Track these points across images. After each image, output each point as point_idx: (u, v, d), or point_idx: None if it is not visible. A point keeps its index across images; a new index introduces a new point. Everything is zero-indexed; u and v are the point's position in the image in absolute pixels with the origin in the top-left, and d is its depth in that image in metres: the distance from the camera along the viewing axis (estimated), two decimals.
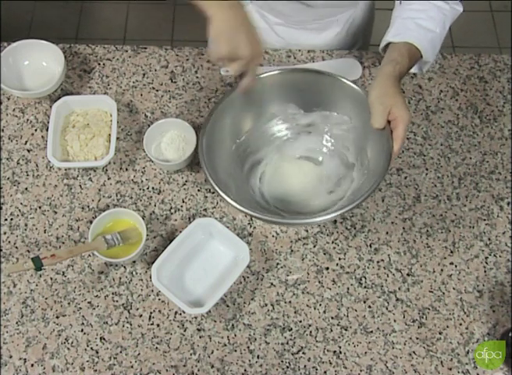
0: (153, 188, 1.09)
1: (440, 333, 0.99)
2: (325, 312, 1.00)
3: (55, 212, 1.06)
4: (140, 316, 0.99)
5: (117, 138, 1.11)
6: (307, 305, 1.00)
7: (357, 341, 0.98)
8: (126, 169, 1.10)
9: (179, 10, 2.30)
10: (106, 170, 1.10)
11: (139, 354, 0.96)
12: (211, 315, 0.99)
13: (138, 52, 1.22)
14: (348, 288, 1.01)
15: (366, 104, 0.91)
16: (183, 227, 1.02)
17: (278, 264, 1.03)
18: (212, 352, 0.97)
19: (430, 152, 1.13)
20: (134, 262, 1.02)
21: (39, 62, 1.18)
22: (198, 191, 1.08)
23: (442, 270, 1.03)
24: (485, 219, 1.07)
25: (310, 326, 0.99)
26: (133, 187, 1.09)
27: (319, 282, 1.02)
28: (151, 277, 0.97)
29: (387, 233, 1.06)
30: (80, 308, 0.99)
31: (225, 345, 0.97)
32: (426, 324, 0.99)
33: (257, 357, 0.96)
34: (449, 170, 1.11)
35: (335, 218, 0.91)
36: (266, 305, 1.00)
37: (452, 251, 1.05)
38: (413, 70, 1.06)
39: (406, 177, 1.11)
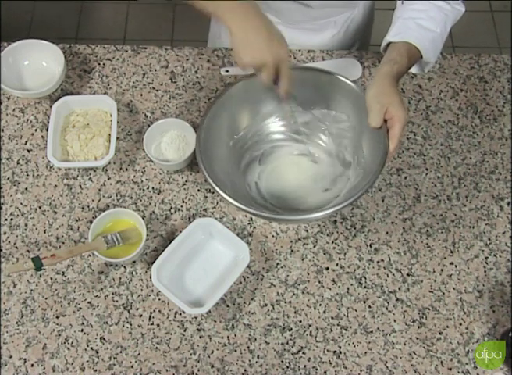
0: (153, 188, 1.09)
1: (440, 333, 0.99)
2: (325, 312, 1.00)
3: (55, 212, 1.06)
4: (140, 316, 0.99)
5: (117, 138, 1.11)
6: (307, 305, 1.00)
7: (357, 341, 0.98)
8: (126, 169, 1.10)
9: (179, 10, 2.30)
10: (106, 170, 1.10)
11: (139, 354, 0.96)
12: (211, 315, 0.99)
13: (138, 52, 1.22)
14: (348, 288, 1.01)
15: (364, 103, 0.91)
16: (183, 227, 1.02)
17: (278, 264, 1.03)
18: (212, 352, 0.97)
19: (430, 152, 1.13)
20: (134, 262, 1.02)
21: (39, 62, 1.18)
22: (198, 191, 1.08)
23: (442, 270, 1.03)
24: (485, 219, 1.07)
25: (310, 326, 0.99)
26: (133, 187, 1.09)
27: (319, 282, 1.02)
28: (151, 277, 0.97)
29: (387, 233, 1.06)
30: (80, 308, 0.99)
31: (225, 345, 0.97)
32: (426, 324, 0.99)
33: (257, 357, 0.96)
34: (449, 170, 1.11)
35: (331, 214, 0.90)
36: (266, 305, 1.00)
37: (452, 251, 1.05)
38: (414, 71, 1.06)
39: (406, 177, 1.11)
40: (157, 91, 1.18)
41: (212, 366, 0.96)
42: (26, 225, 1.05)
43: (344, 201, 0.88)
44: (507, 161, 1.12)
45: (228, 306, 1.00)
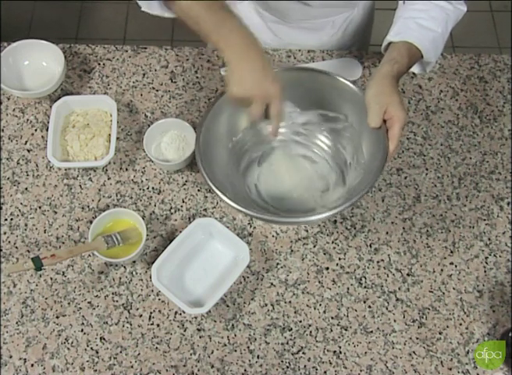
0: (153, 188, 1.09)
1: (440, 333, 0.99)
2: (325, 312, 1.00)
3: (55, 212, 1.06)
4: (140, 316, 0.99)
5: (117, 138, 1.11)
6: (307, 305, 1.00)
7: (357, 341, 0.98)
8: (126, 169, 1.10)
9: None
10: (106, 170, 1.10)
11: (139, 354, 0.96)
12: (211, 315, 0.99)
13: (138, 52, 1.22)
14: (348, 288, 1.01)
15: (362, 103, 0.91)
16: (183, 227, 1.02)
17: (278, 264, 1.03)
18: (212, 352, 0.97)
19: (430, 152, 1.13)
20: (134, 262, 1.02)
21: (39, 62, 1.18)
22: (198, 191, 1.08)
23: (442, 270, 1.03)
24: (485, 219, 1.07)
25: (310, 326, 0.99)
26: (133, 187, 1.09)
27: (319, 282, 1.02)
28: (151, 277, 0.97)
29: (387, 233, 1.06)
30: (80, 308, 0.99)
31: (225, 345, 0.97)
32: (426, 324, 0.99)
33: (257, 357, 0.96)
34: (449, 170, 1.11)
35: (331, 216, 0.91)
36: (266, 305, 1.00)
37: (452, 251, 1.05)
38: (416, 71, 1.06)
39: (406, 177, 1.11)
40: (157, 91, 1.18)
41: (212, 366, 0.96)
42: (26, 225, 1.05)
43: (345, 202, 0.88)
44: (507, 161, 1.12)
45: (228, 306, 1.00)
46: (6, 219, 1.06)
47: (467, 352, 0.97)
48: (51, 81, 1.12)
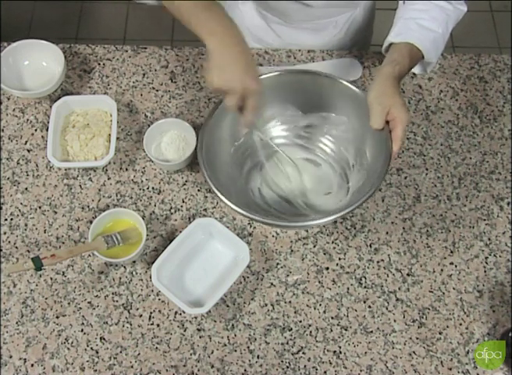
0: (153, 188, 1.09)
1: (440, 333, 0.99)
2: (325, 312, 1.00)
3: (55, 212, 1.06)
4: (140, 316, 0.99)
5: (117, 138, 1.11)
6: (307, 305, 1.00)
7: (357, 341, 0.98)
8: (126, 169, 1.10)
9: None
10: (106, 170, 1.10)
11: (139, 354, 0.96)
12: (211, 315, 0.99)
13: (138, 52, 1.22)
14: (348, 288, 1.01)
15: (365, 105, 0.91)
16: (183, 227, 1.02)
17: (278, 264, 1.03)
18: (212, 352, 0.97)
19: (430, 152, 1.13)
20: (134, 262, 1.02)
21: (39, 62, 1.18)
22: (198, 191, 1.08)
23: (442, 270, 1.03)
24: (485, 219, 1.07)
25: (310, 326, 0.99)
26: (133, 187, 1.09)
27: (319, 282, 1.02)
28: (151, 277, 0.97)
29: (387, 233, 1.06)
30: (80, 308, 0.99)
31: (225, 345, 0.97)
32: (426, 324, 0.99)
33: (257, 357, 0.96)
34: (449, 170, 1.11)
35: (335, 220, 0.91)
36: (266, 305, 1.00)
37: (452, 251, 1.05)
38: (416, 71, 1.06)
39: (406, 177, 1.11)
40: (157, 91, 1.18)
41: (212, 366, 0.96)
42: (26, 225, 1.05)
43: (349, 204, 0.88)
44: (507, 161, 1.12)
45: (228, 306, 1.00)
46: (6, 219, 1.06)
47: (467, 352, 0.97)
48: (51, 81, 1.12)
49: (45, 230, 1.05)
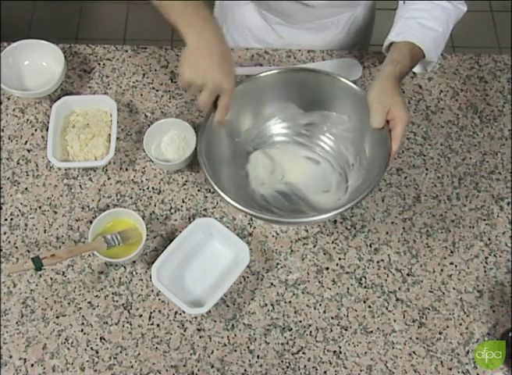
0: (153, 188, 1.09)
1: (440, 333, 0.99)
2: (325, 312, 1.00)
3: (55, 212, 1.06)
4: (140, 316, 0.99)
5: (117, 138, 1.11)
6: (307, 305, 1.00)
7: (357, 341, 0.98)
8: (126, 169, 1.10)
9: None
10: (106, 170, 1.10)
11: (139, 354, 0.96)
12: (211, 315, 0.99)
13: (138, 52, 1.22)
14: (348, 288, 1.01)
15: (365, 104, 0.91)
16: (183, 227, 1.02)
17: (278, 264, 1.03)
18: (212, 352, 0.97)
19: (430, 152, 1.13)
20: (134, 262, 1.02)
21: (39, 62, 1.18)
22: (198, 191, 1.08)
23: (442, 270, 1.03)
24: (485, 219, 1.07)
25: (310, 326, 0.99)
26: (133, 187, 1.09)
27: (319, 282, 1.02)
28: (151, 277, 0.97)
29: (387, 233, 1.06)
30: (80, 308, 0.99)
31: (225, 345, 0.97)
32: (426, 324, 0.99)
33: (257, 357, 0.96)
34: (449, 170, 1.11)
35: (334, 217, 0.91)
36: (266, 305, 1.00)
37: (452, 251, 1.05)
38: (417, 70, 1.06)
39: (406, 177, 1.11)
40: (157, 91, 1.18)
41: (212, 366, 0.96)
42: (26, 225, 1.05)
43: (348, 202, 0.88)
44: (507, 161, 1.12)
45: (228, 306, 1.00)
46: (6, 219, 1.06)
47: (467, 352, 0.97)
48: (51, 81, 1.12)
49: (45, 230, 1.05)
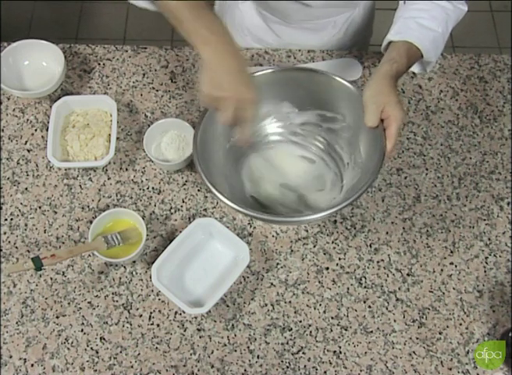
0: (153, 188, 1.09)
1: (440, 333, 0.99)
2: (325, 312, 1.00)
3: (55, 212, 1.06)
4: (140, 316, 0.99)
5: (117, 138, 1.11)
6: (307, 305, 1.00)
7: (357, 341, 0.98)
8: (126, 169, 1.10)
9: None
10: (106, 170, 1.10)
11: (139, 354, 0.96)
12: (211, 315, 0.99)
13: (138, 52, 1.22)
14: (348, 288, 1.01)
15: (360, 103, 0.91)
16: (183, 227, 1.02)
17: (278, 264, 1.03)
18: (212, 352, 0.97)
19: (430, 152, 1.13)
20: (134, 262, 1.02)
21: (39, 62, 1.18)
22: (198, 191, 1.08)
23: (442, 270, 1.03)
24: (485, 219, 1.07)
25: (310, 326, 0.99)
26: (133, 187, 1.09)
27: (319, 282, 1.02)
28: (151, 277, 0.97)
29: (387, 233, 1.06)
30: (80, 308, 0.99)
31: (225, 345, 0.97)
32: (426, 324, 0.99)
33: (257, 357, 0.96)
34: (449, 170, 1.11)
35: (329, 216, 0.90)
36: (266, 305, 1.00)
37: (452, 251, 1.05)
38: (416, 71, 1.06)
39: (406, 177, 1.11)
40: (157, 91, 1.18)
41: (212, 366, 0.96)
42: (26, 225, 1.05)
43: (343, 201, 0.88)
44: (507, 161, 1.12)
45: (228, 306, 1.00)
46: (6, 219, 1.06)
47: (467, 352, 0.97)
48: (51, 81, 1.12)
49: (45, 230, 1.05)
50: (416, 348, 0.97)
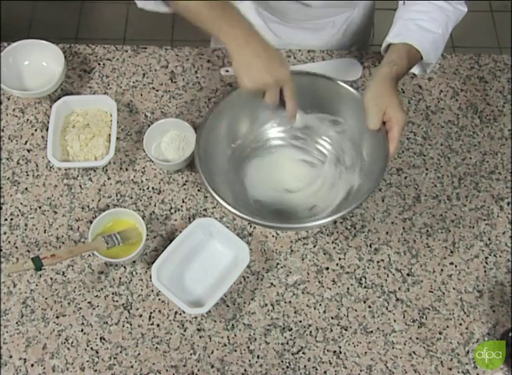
0: (153, 188, 1.09)
1: (440, 333, 0.99)
2: (325, 312, 1.00)
3: (55, 212, 1.06)
4: (140, 316, 0.99)
5: (117, 138, 1.11)
6: (307, 305, 1.00)
7: (357, 341, 0.98)
8: (126, 169, 1.10)
9: None
10: (106, 170, 1.10)
11: (139, 354, 0.96)
12: (211, 315, 0.99)
13: (138, 52, 1.22)
14: (348, 288, 1.01)
15: (361, 106, 0.91)
16: (183, 227, 1.02)
17: (278, 264, 1.03)
18: (212, 352, 0.97)
19: (430, 152, 1.13)
20: (134, 262, 1.02)
21: (39, 62, 1.18)
22: (198, 191, 1.08)
23: (442, 270, 1.03)
24: (485, 219, 1.07)
25: (310, 326, 0.99)
26: (133, 187, 1.09)
27: (319, 282, 1.02)
28: (151, 277, 0.97)
29: (387, 233, 1.06)
30: (80, 308, 0.99)
31: (225, 345, 0.97)
32: (426, 324, 0.99)
33: (257, 357, 0.96)
34: (449, 170, 1.11)
35: (333, 220, 0.91)
36: (266, 305, 1.00)
37: (452, 251, 1.05)
38: (416, 72, 1.06)
39: (406, 177, 1.11)
40: (157, 91, 1.18)
41: (212, 366, 0.96)
42: (26, 225, 1.05)
43: (348, 205, 0.88)
44: (507, 161, 1.12)
45: (228, 306, 1.00)
46: (6, 219, 1.06)
47: (467, 352, 0.97)
48: (51, 81, 1.12)
49: (45, 230, 1.05)
50: (416, 348, 0.97)
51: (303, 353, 0.97)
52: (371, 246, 1.05)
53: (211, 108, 0.97)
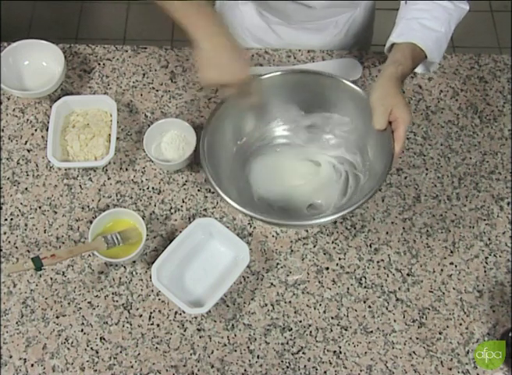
0: (153, 188, 1.09)
1: (440, 333, 0.99)
2: (325, 312, 1.00)
3: (55, 212, 1.06)
4: (140, 316, 0.99)
5: (117, 138, 1.11)
6: (307, 305, 1.00)
7: (357, 341, 0.98)
8: (126, 169, 1.10)
9: None
10: (106, 170, 1.10)
11: (139, 354, 0.96)
12: (211, 315, 0.99)
13: (138, 52, 1.22)
14: (348, 288, 1.01)
15: (367, 105, 0.91)
16: (183, 227, 1.02)
17: (278, 264, 1.03)
18: (212, 352, 0.97)
19: (430, 152, 1.13)
20: (134, 262, 1.02)
21: (39, 62, 1.18)
22: (198, 191, 1.08)
23: (442, 270, 1.03)
24: (485, 219, 1.07)
25: (310, 326, 0.99)
26: (133, 187, 1.09)
27: (319, 282, 1.02)
28: (151, 277, 0.97)
29: (387, 233, 1.06)
30: (80, 308, 0.99)
31: (225, 345, 0.97)
32: (426, 324, 0.99)
33: (257, 357, 0.96)
34: (449, 170, 1.11)
35: (336, 219, 0.91)
36: (266, 305, 1.00)
37: (452, 251, 1.05)
38: (420, 71, 1.06)
39: (406, 177, 1.11)
40: (157, 91, 1.18)
41: (212, 366, 0.96)
42: (26, 225, 1.05)
43: (352, 204, 0.88)
44: (507, 161, 1.12)
45: (228, 306, 1.00)
46: (6, 219, 1.06)
47: (467, 352, 0.97)
48: (51, 81, 1.12)
49: (45, 230, 1.05)
50: (416, 348, 0.97)
51: (303, 353, 0.97)
52: (371, 246, 1.05)
53: (217, 106, 0.98)
